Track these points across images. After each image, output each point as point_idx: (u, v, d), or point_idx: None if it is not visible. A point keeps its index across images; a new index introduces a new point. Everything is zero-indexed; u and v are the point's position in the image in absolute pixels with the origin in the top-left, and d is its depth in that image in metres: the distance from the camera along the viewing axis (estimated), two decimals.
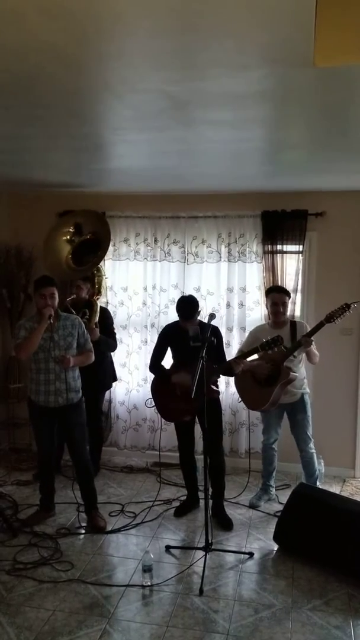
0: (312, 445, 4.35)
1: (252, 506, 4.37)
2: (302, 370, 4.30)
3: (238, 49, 1.88)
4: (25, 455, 5.17)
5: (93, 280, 4.66)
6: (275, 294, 4.29)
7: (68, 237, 4.52)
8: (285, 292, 4.32)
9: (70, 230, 4.53)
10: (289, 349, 4.05)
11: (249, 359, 4.19)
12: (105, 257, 5.13)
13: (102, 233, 4.48)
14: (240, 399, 4.44)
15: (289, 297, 4.36)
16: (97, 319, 4.57)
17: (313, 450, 4.36)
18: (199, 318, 4.09)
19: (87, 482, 4.09)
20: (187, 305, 3.97)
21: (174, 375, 4.05)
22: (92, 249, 4.51)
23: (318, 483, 4.41)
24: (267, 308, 4.47)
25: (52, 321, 3.78)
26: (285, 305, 4.27)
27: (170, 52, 1.94)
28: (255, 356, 4.25)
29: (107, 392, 5.18)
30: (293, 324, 4.28)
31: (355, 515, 3.48)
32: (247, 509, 4.36)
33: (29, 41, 1.85)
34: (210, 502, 3.94)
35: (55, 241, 4.49)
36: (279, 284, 4.88)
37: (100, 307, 4.69)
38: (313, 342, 4.07)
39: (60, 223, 4.64)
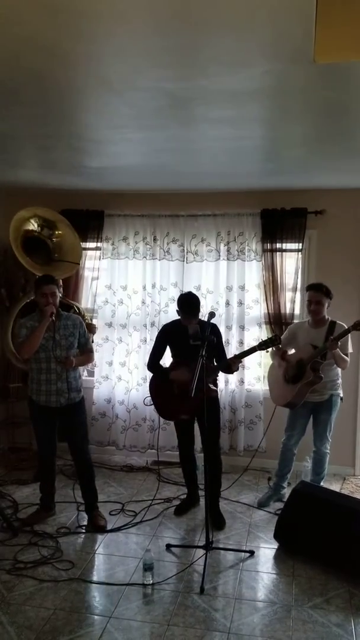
0: (328, 446, 4.28)
1: (261, 505, 4.33)
2: (335, 371, 4.18)
3: (238, 46, 1.88)
4: (25, 455, 5.16)
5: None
6: (311, 292, 4.14)
7: (33, 222, 4.61)
8: (321, 290, 4.13)
9: (38, 221, 4.63)
10: (316, 350, 4.00)
11: (289, 353, 4.21)
12: (104, 256, 5.16)
13: (66, 242, 4.62)
14: (269, 391, 4.41)
15: (327, 296, 4.14)
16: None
17: (328, 451, 4.29)
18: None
19: (88, 482, 4.08)
20: (193, 302, 3.96)
21: (171, 372, 4.04)
22: (45, 253, 4.65)
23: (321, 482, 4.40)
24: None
25: (54, 319, 3.78)
26: (320, 304, 4.11)
27: (169, 49, 1.93)
28: (292, 351, 4.26)
29: (107, 391, 5.19)
30: (332, 324, 4.13)
31: (356, 514, 3.47)
32: (248, 507, 4.36)
33: (26, 38, 1.84)
34: (203, 500, 3.93)
35: (24, 217, 4.56)
36: (279, 282, 4.88)
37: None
38: (350, 346, 4.03)
39: (35, 209, 4.70)
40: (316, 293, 4.13)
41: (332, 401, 4.22)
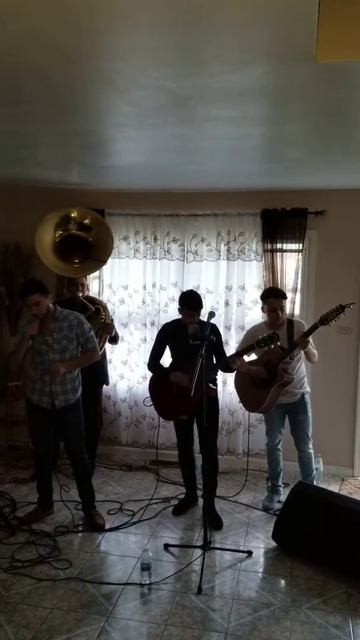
0: (311, 445, 4.32)
1: (266, 509, 4.31)
2: (301, 369, 4.26)
3: (239, 45, 1.87)
4: (24, 453, 5.15)
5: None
6: (273, 300, 4.14)
7: (63, 222, 4.51)
8: (282, 296, 4.19)
9: (69, 218, 4.53)
10: (285, 350, 4.01)
11: (246, 360, 4.19)
12: None
13: (101, 240, 4.50)
14: (240, 401, 4.42)
15: (286, 298, 4.24)
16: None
17: (312, 451, 4.34)
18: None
19: (84, 481, 4.07)
20: (196, 297, 4.00)
21: (171, 374, 4.04)
22: (82, 251, 4.54)
23: (315, 482, 4.40)
24: (264, 312, 4.33)
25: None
26: (282, 309, 4.17)
27: (171, 48, 1.93)
28: (253, 356, 4.23)
29: (108, 389, 5.20)
30: (290, 323, 4.20)
31: (354, 514, 3.47)
32: (246, 507, 4.35)
33: (28, 35, 1.84)
34: (202, 500, 3.93)
35: (51, 220, 4.47)
36: (279, 282, 4.87)
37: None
38: (311, 342, 4.04)
39: (66, 209, 4.60)
40: (279, 300, 4.14)
41: (304, 401, 4.26)
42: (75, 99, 2.53)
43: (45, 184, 4.93)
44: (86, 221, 4.55)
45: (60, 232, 4.49)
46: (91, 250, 4.54)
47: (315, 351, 4.15)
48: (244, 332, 4.90)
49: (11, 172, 4.44)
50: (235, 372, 4.23)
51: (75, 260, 4.54)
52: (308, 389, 4.32)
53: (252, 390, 4.17)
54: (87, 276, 4.77)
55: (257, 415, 4.93)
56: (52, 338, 3.78)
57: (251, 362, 4.22)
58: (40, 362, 3.80)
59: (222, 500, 4.40)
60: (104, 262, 4.63)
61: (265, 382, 4.07)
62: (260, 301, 4.87)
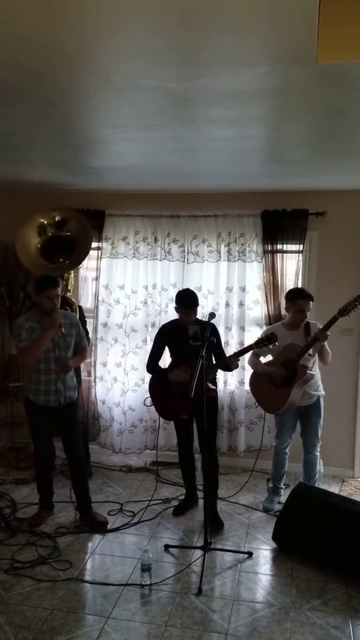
0: (319, 448, 4.30)
1: (267, 510, 4.30)
2: (317, 372, 4.21)
3: (240, 46, 1.87)
4: (24, 454, 5.15)
5: (63, 277, 4.67)
6: (302, 301, 4.06)
7: (42, 226, 4.62)
8: (310, 297, 4.12)
9: (47, 222, 4.62)
10: (304, 346, 3.98)
11: (263, 361, 4.17)
12: (104, 256, 5.15)
13: (81, 237, 4.56)
14: (257, 404, 4.33)
15: (313, 300, 4.16)
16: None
17: (318, 453, 4.32)
18: (198, 317, 4.09)
19: (84, 481, 4.08)
20: (190, 294, 4.00)
21: (169, 373, 4.03)
22: (65, 250, 4.61)
23: (316, 483, 4.39)
24: (288, 312, 4.19)
25: (63, 331, 3.74)
26: (309, 310, 4.12)
27: (171, 49, 1.93)
28: (270, 357, 4.20)
29: (105, 393, 5.19)
30: (307, 324, 4.15)
31: (355, 515, 3.47)
32: (247, 509, 4.35)
33: (28, 36, 1.84)
34: (202, 501, 3.92)
35: (30, 226, 4.58)
36: (279, 284, 4.87)
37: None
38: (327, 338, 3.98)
39: (41, 212, 4.71)
40: (308, 301, 4.09)
41: (319, 403, 4.24)
42: (75, 100, 2.54)
43: (45, 186, 4.93)
44: (58, 218, 4.66)
45: (39, 240, 4.62)
46: (76, 244, 4.63)
47: (329, 350, 4.09)
48: (246, 332, 4.93)
49: (11, 173, 4.45)
50: (252, 374, 4.22)
51: (61, 259, 4.62)
52: (323, 392, 4.27)
53: (271, 391, 4.11)
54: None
55: (256, 413, 4.93)
56: (57, 335, 3.79)
57: (267, 364, 4.19)
58: (45, 360, 3.78)
59: (223, 501, 4.39)
60: (86, 252, 4.71)
61: (285, 382, 4.03)
62: (261, 302, 4.91)
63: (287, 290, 4.33)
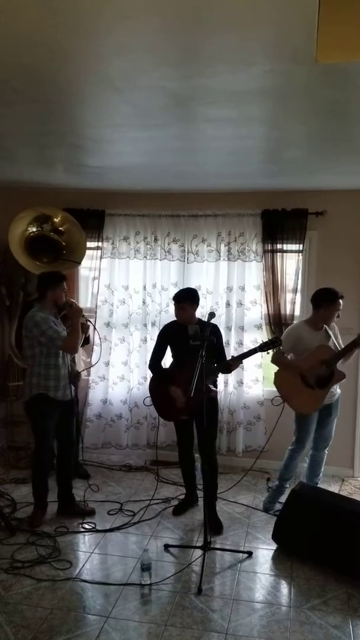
0: (328, 447, 4.32)
1: (267, 509, 4.29)
2: None
3: (240, 45, 1.88)
4: (24, 454, 5.15)
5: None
6: (340, 302, 4.03)
7: (43, 218, 4.69)
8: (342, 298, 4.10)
9: (45, 218, 4.70)
10: (343, 349, 3.95)
11: (289, 356, 4.13)
12: (104, 255, 5.15)
13: (73, 243, 4.71)
14: (283, 401, 4.12)
15: None
16: None
17: (327, 452, 4.33)
18: (198, 317, 4.09)
19: (69, 478, 4.19)
20: (181, 290, 4.10)
21: (170, 388, 4.01)
22: (53, 252, 4.70)
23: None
24: (320, 311, 4.06)
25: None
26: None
27: (171, 48, 1.93)
28: (291, 356, 4.14)
29: (104, 392, 5.19)
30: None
31: (354, 515, 3.47)
32: (246, 508, 4.35)
33: (28, 35, 1.84)
34: (202, 501, 3.92)
35: (33, 212, 4.66)
36: (279, 283, 4.87)
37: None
38: None
39: (51, 207, 4.78)
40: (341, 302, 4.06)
41: (339, 402, 4.26)
42: (75, 99, 2.54)
43: (45, 185, 4.92)
44: (60, 226, 4.77)
45: (33, 230, 4.67)
46: (61, 252, 4.74)
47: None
48: (245, 332, 4.92)
49: (10, 173, 4.45)
50: (280, 370, 4.12)
51: (45, 260, 4.69)
52: (340, 391, 4.28)
53: (303, 390, 4.02)
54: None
55: (254, 413, 4.94)
56: (61, 328, 3.92)
57: (301, 361, 4.06)
58: (54, 354, 3.85)
59: (222, 501, 4.39)
60: (78, 262, 4.84)
61: (320, 382, 3.98)
62: (260, 301, 4.90)
63: (318, 289, 4.16)
